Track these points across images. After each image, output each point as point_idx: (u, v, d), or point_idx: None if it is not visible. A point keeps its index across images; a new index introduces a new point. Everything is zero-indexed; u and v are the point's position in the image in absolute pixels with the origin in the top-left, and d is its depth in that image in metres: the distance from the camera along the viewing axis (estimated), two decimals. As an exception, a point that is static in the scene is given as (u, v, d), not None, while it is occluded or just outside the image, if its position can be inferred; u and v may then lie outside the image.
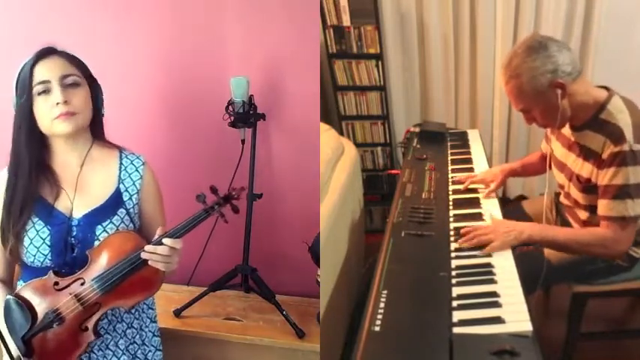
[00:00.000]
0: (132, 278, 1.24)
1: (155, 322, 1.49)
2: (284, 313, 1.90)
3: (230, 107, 1.90)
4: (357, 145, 2.79)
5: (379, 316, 1.14)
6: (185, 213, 1.88)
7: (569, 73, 1.46)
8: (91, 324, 1.26)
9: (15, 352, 1.22)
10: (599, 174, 1.49)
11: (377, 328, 1.11)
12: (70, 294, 1.24)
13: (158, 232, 1.28)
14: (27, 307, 1.24)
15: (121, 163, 1.40)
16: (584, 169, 1.55)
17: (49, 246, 1.28)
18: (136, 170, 1.40)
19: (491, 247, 1.43)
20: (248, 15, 1.95)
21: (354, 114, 2.87)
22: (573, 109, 1.51)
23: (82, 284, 1.25)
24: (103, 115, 1.40)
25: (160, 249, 1.23)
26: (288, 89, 2.00)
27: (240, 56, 1.99)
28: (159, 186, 1.46)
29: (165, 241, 1.24)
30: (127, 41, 2.03)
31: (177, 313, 1.96)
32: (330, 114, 2.92)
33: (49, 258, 1.28)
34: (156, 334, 1.49)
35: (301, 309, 2.02)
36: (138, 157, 1.43)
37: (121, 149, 1.44)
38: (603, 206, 1.49)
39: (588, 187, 1.55)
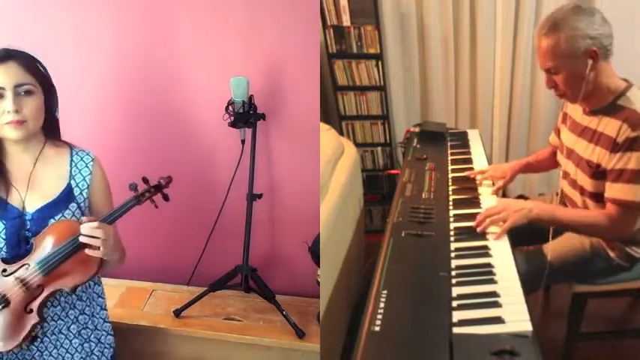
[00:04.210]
0: (71, 261, 1.33)
1: (105, 309, 1.58)
2: (284, 313, 1.90)
3: (230, 107, 1.90)
4: (357, 145, 2.79)
5: (379, 316, 1.14)
6: (185, 212, 1.88)
7: (605, 48, 1.47)
8: (35, 306, 1.33)
9: None
10: (611, 158, 1.47)
11: (377, 328, 1.10)
12: (16, 278, 1.32)
13: (83, 219, 1.35)
14: None
15: (71, 160, 1.47)
16: (595, 154, 1.53)
17: (3, 239, 1.35)
18: (86, 166, 1.48)
19: (504, 228, 1.47)
20: (248, 15, 1.95)
21: (354, 114, 2.86)
22: (595, 87, 1.51)
23: (27, 268, 1.33)
24: (57, 117, 1.46)
25: (91, 232, 1.30)
26: (288, 89, 2.00)
27: (240, 56, 1.99)
28: (107, 180, 1.53)
29: (92, 224, 1.31)
30: (125, 40, 2.03)
31: (177, 313, 1.96)
32: (330, 114, 2.92)
33: (5, 250, 1.36)
34: (106, 320, 1.58)
35: (301, 309, 2.02)
36: (88, 154, 1.50)
37: (71, 146, 1.50)
38: (614, 189, 1.48)
39: (598, 172, 1.53)
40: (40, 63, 1.40)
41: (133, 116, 2.10)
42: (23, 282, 1.32)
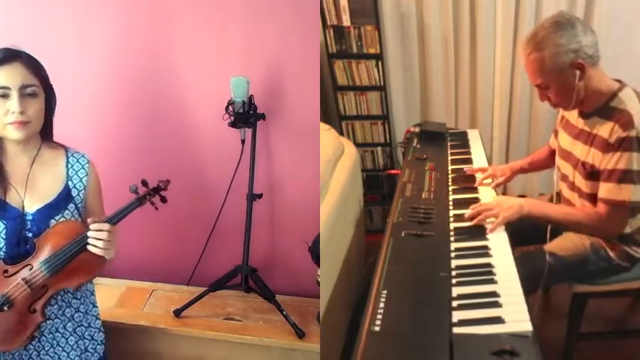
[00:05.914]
0: (76, 260, 1.35)
1: (97, 307, 1.60)
2: (284, 313, 1.90)
3: (230, 107, 1.90)
4: (357, 145, 2.79)
5: (379, 316, 1.14)
6: (185, 212, 1.88)
7: (591, 56, 1.48)
8: (39, 306, 1.35)
9: None
10: (603, 158, 1.50)
11: (377, 328, 1.11)
12: (21, 279, 1.32)
13: (89, 221, 1.37)
14: None
15: (67, 162, 1.48)
16: (590, 155, 1.55)
17: (3, 239, 1.35)
18: (82, 168, 1.49)
19: (497, 223, 1.51)
20: (248, 15, 1.95)
21: (354, 114, 2.87)
22: (587, 93, 1.53)
23: (31, 269, 1.33)
24: (52, 120, 1.47)
25: (101, 234, 1.34)
26: (288, 89, 2.00)
27: (240, 56, 1.99)
28: (100, 182, 1.55)
29: (102, 225, 1.34)
30: (125, 40, 2.03)
31: (177, 313, 1.96)
32: (330, 114, 2.92)
33: (4, 250, 1.36)
34: (98, 317, 1.59)
35: (301, 309, 2.02)
36: (83, 156, 1.51)
37: (66, 148, 1.51)
38: (605, 189, 1.50)
39: (592, 172, 1.55)
40: (42, 66, 1.40)
41: (132, 116, 2.10)
42: (28, 283, 1.32)
